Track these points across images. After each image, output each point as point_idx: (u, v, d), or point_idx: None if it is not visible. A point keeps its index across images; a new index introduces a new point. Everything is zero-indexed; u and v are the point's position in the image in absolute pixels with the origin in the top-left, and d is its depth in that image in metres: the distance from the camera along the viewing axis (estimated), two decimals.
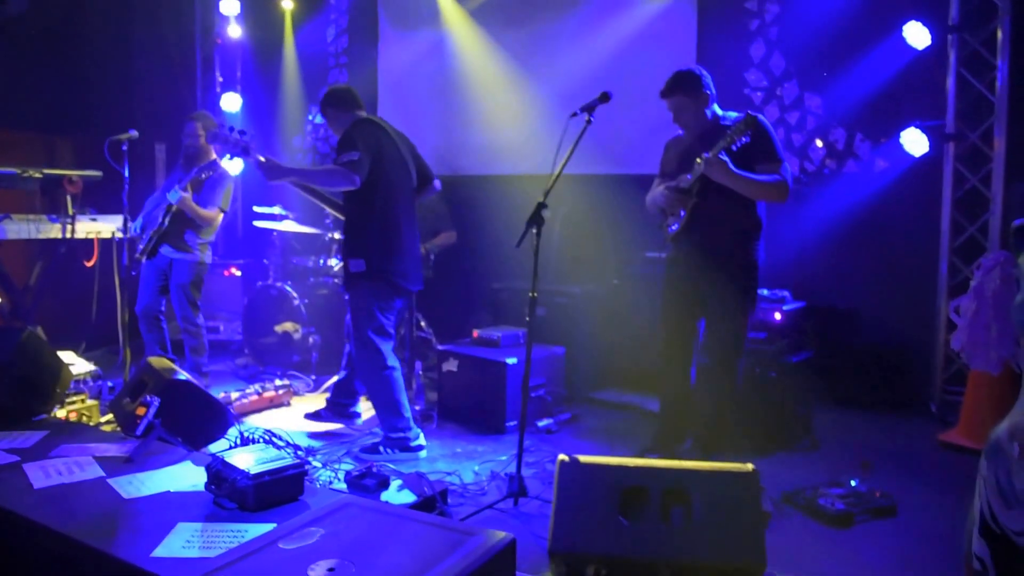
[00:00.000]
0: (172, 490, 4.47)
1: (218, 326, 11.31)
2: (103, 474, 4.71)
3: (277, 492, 4.22)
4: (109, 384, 7.76)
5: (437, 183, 7.54)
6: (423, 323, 9.33)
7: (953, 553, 5.12)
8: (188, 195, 8.17)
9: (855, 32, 8.67)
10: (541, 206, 5.81)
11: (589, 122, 6.00)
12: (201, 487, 4.43)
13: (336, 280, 9.95)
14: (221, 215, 8.67)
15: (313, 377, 9.29)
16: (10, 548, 4.21)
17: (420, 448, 6.96)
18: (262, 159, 6.63)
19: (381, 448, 6.90)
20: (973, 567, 3.09)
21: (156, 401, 5.04)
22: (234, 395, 8.11)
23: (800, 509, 5.73)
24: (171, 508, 4.21)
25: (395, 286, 6.94)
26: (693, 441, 6.78)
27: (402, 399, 6.97)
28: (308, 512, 3.89)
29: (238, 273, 11.75)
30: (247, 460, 4.25)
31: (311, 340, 9.45)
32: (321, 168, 7.06)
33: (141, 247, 8.31)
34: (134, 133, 8.06)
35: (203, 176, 8.16)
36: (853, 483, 5.99)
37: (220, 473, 4.28)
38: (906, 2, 8.37)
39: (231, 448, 4.63)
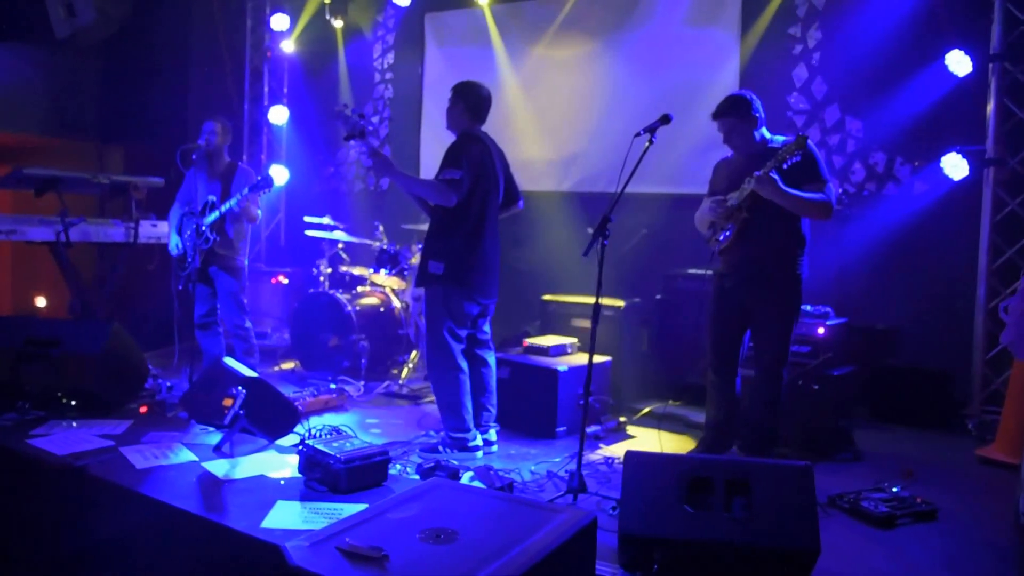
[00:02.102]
0: (266, 474, 4.85)
1: (265, 332, 11.62)
2: (196, 458, 5.10)
3: (365, 476, 4.57)
4: (168, 384, 8.07)
5: (521, 203, 7.81)
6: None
7: (996, 557, 5.42)
8: (249, 203, 8.41)
9: (897, 59, 8.92)
10: (607, 219, 6.07)
11: (651, 143, 6.21)
12: (291, 473, 4.81)
13: (383, 290, 10.29)
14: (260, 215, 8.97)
15: (362, 383, 9.53)
16: (119, 519, 4.58)
17: (477, 448, 7.23)
18: (378, 151, 7.05)
19: (440, 448, 7.18)
20: (1021, 523, 3.43)
21: (243, 393, 5.37)
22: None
23: (844, 511, 6.01)
24: (267, 489, 4.59)
25: (468, 294, 7.18)
26: (737, 450, 7.06)
27: (466, 401, 7.22)
28: (405, 491, 4.24)
29: (285, 281, 12.05)
30: (336, 447, 4.61)
31: (360, 346, 9.74)
32: (423, 180, 7.27)
33: (188, 262, 8.51)
34: (202, 143, 8.42)
35: (261, 191, 8.37)
36: (895, 489, 6.24)
37: (313, 458, 4.65)
38: (948, 31, 8.57)
39: (306, 439, 4.95)
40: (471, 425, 7.25)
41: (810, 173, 6.50)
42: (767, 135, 6.85)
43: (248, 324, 8.92)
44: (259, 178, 8.24)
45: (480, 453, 7.25)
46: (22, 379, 6.18)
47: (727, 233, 6.80)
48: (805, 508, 4.50)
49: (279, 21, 13.05)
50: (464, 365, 7.26)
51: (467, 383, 7.26)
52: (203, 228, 8.43)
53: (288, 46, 13.43)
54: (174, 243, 8.74)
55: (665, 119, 6.24)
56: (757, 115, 6.77)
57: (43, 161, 9.55)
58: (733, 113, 6.76)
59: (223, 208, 8.35)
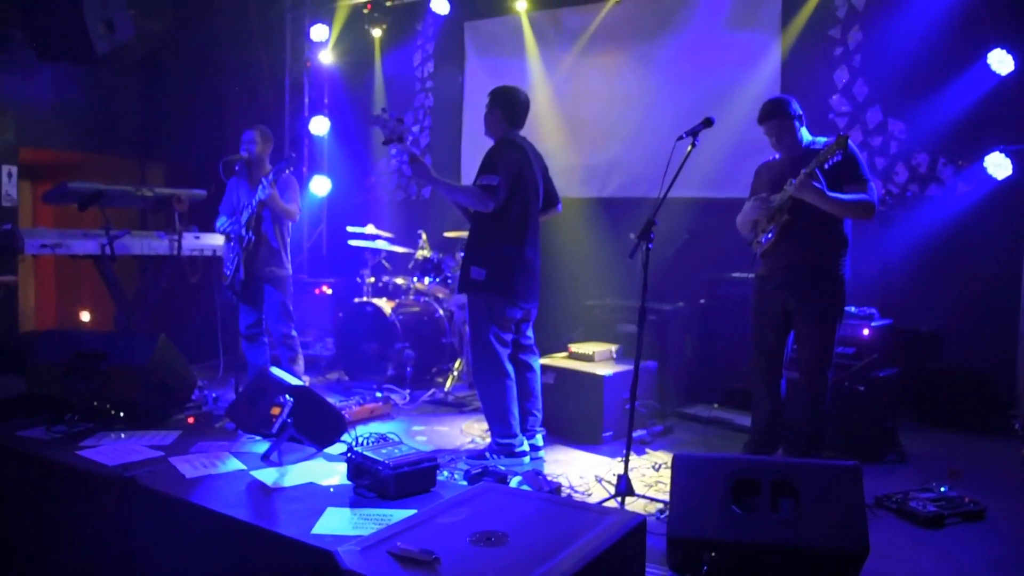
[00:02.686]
0: (315, 482, 4.90)
1: (310, 342, 11.68)
2: (245, 467, 5.14)
3: (414, 482, 4.60)
4: (214, 395, 8.15)
5: (560, 206, 7.84)
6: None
7: None
8: (275, 191, 8.44)
9: (938, 59, 8.91)
10: (651, 223, 6.09)
11: (693, 146, 6.24)
12: (339, 481, 4.85)
13: (426, 298, 10.35)
14: (298, 213, 9.02)
15: (408, 391, 9.61)
16: (169, 528, 4.64)
17: (524, 454, 7.26)
18: (416, 155, 7.09)
19: (487, 454, 7.22)
20: None
21: (290, 402, 5.42)
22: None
23: (892, 511, 6.04)
24: (316, 496, 4.62)
25: (511, 299, 7.21)
26: (783, 453, 7.05)
27: (512, 407, 7.24)
28: (454, 496, 4.28)
29: (329, 291, 12.12)
30: (384, 455, 4.65)
31: (405, 355, 9.80)
32: (461, 186, 7.39)
33: (230, 271, 8.58)
34: (244, 153, 8.50)
35: (284, 171, 8.36)
36: (943, 489, 6.26)
37: (361, 465, 4.69)
38: (989, 30, 8.55)
39: (353, 447, 4.99)
40: (518, 431, 7.27)
41: (852, 173, 6.54)
42: (808, 136, 6.90)
43: (294, 333, 9.01)
44: (281, 163, 8.30)
45: (527, 459, 7.27)
46: (70, 392, 6.21)
47: (769, 235, 6.83)
48: (853, 508, 4.51)
49: (318, 32, 13.11)
50: (511, 371, 7.30)
51: (514, 389, 7.29)
52: (240, 228, 8.51)
53: (327, 57, 13.48)
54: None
55: (707, 122, 6.26)
56: (799, 113, 6.83)
57: (86, 176, 9.61)
58: (778, 114, 6.81)
59: (253, 200, 8.43)
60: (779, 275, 6.90)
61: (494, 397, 7.25)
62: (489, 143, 7.40)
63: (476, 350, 7.34)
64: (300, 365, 9.02)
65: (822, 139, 6.89)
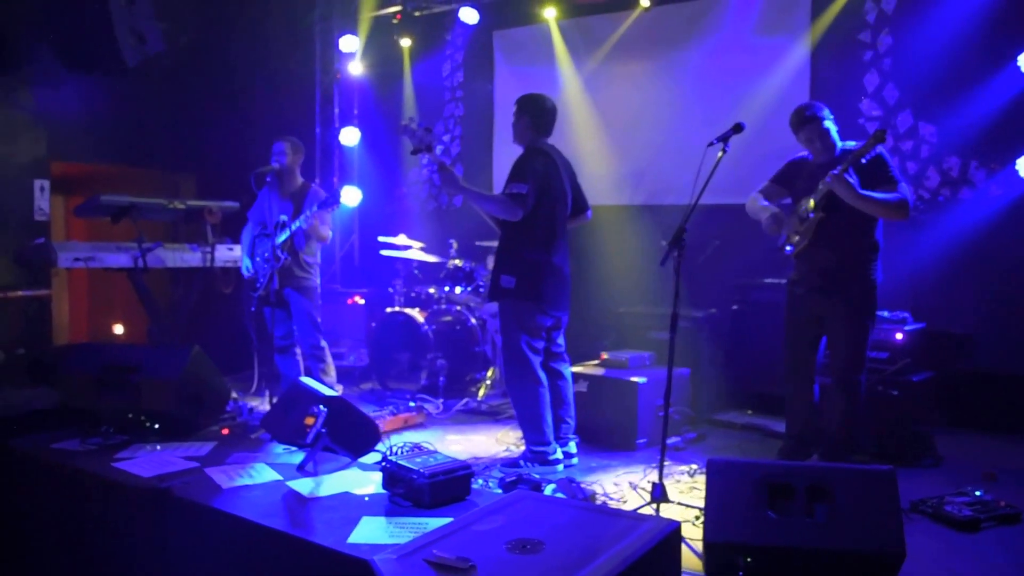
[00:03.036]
0: (350, 491, 4.92)
1: (343, 353, 11.71)
2: (280, 477, 5.17)
3: (449, 491, 4.62)
4: (249, 406, 8.18)
5: (589, 213, 7.87)
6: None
7: None
8: (317, 221, 8.52)
9: (968, 62, 8.87)
10: (683, 229, 6.09)
11: (724, 152, 6.22)
12: (374, 490, 4.87)
13: (458, 307, 10.36)
14: (331, 234, 9.02)
15: (441, 400, 9.64)
16: (206, 538, 4.67)
17: (557, 462, 7.28)
18: (445, 165, 7.14)
19: (521, 462, 7.23)
20: None
21: (324, 412, 5.44)
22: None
23: (927, 516, 6.02)
24: (352, 505, 4.65)
25: (540, 307, 7.24)
26: (817, 458, 7.03)
27: (546, 415, 7.25)
28: (490, 503, 4.30)
29: (361, 301, 12.12)
30: (419, 463, 4.66)
31: (437, 364, 9.81)
32: (489, 195, 7.35)
33: (262, 284, 8.67)
34: (275, 164, 8.53)
35: (330, 208, 8.43)
36: (978, 493, 6.23)
37: (396, 474, 4.71)
38: (1020, 32, 8.57)
39: (388, 456, 5.01)
40: (551, 439, 7.28)
41: (882, 175, 6.58)
42: (839, 140, 6.92)
43: (323, 343, 9.01)
44: (326, 196, 8.33)
45: (561, 466, 7.29)
46: (104, 404, 6.27)
47: (794, 245, 6.95)
48: (889, 512, 4.50)
49: (347, 43, 13.14)
50: (544, 378, 7.31)
51: (547, 397, 7.30)
52: (276, 247, 8.53)
53: (356, 68, 13.50)
54: (246, 265, 8.88)
55: (738, 128, 6.25)
56: (831, 116, 6.88)
57: (117, 188, 9.67)
58: (813, 119, 6.86)
59: (293, 227, 8.45)
60: (811, 280, 6.94)
61: (527, 405, 7.26)
62: (520, 151, 7.42)
63: (508, 358, 7.36)
64: (331, 375, 9.03)
65: (852, 143, 6.91)
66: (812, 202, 6.72)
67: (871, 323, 6.86)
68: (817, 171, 6.85)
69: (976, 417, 8.67)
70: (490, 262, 9.78)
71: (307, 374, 8.89)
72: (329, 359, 9.04)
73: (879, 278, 6.85)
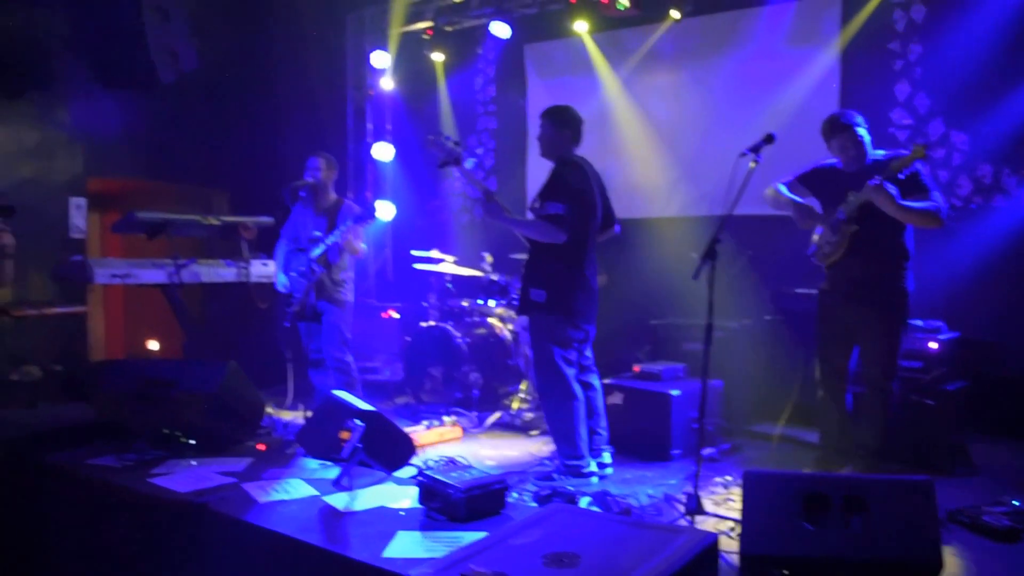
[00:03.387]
0: (386, 505, 4.91)
1: (377, 367, 11.72)
2: (316, 492, 5.17)
3: (484, 505, 4.60)
4: (283, 421, 8.18)
5: (618, 227, 7.84)
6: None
7: None
8: (351, 236, 8.52)
9: (1000, 69, 8.82)
10: (715, 241, 6.07)
11: (756, 163, 6.22)
12: (410, 504, 4.86)
13: (492, 320, 10.35)
14: (364, 251, 9.01)
15: (475, 414, 9.62)
16: (243, 553, 4.66)
17: (592, 475, 7.23)
18: (491, 194, 7.23)
19: (555, 475, 7.20)
20: None
21: (361, 427, 5.43)
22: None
23: (965, 526, 5.93)
24: (387, 520, 4.64)
25: (571, 321, 7.21)
26: (852, 468, 6.99)
27: (580, 428, 7.21)
28: (526, 517, 4.29)
29: (396, 315, 12.14)
30: (454, 477, 4.65)
31: (471, 378, 9.80)
32: (531, 222, 7.24)
33: (297, 299, 8.65)
34: (308, 179, 8.55)
35: (364, 223, 8.45)
36: (1016, 503, 6.16)
37: (432, 488, 4.70)
38: None
39: (423, 471, 4.99)
40: (585, 452, 7.24)
41: (916, 185, 6.56)
42: (871, 150, 6.91)
43: (349, 358, 8.98)
44: (360, 210, 8.34)
45: (595, 479, 7.25)
46: (140, 420, 6.28)
47: (827, 255, 6.95)
48: (926, 522, 4.47)
49: (379, 59, 13.13)
50: (579, 392, 7.26)
51: (582, 410, 7.25)
52: (310, 261, 8.53)
53: (388, 83, 13.49)
54: (281, 281, 8.91)
55: (769, 138, 6.24)
56: (865, 125, 6.88)
57: (151, 204, 9.73)
58: (847, 126, 6.85)
59: (328, 241, 8.43)
60: (844, 289, 6.94)
61: (561, 418, 7.22)
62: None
63: (541, 372, 7.32)
64: (357, 390, 8.96)
65: (881, 152, 6.93)
66: (845, 210, 6.70)
67: (904, 331, 6.84)
68: (847, 180, 6.85)
69: (1012, 426, 8.55)
70: None
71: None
72: (354, 374, 9.01)
73: (911, 286, 6.83)
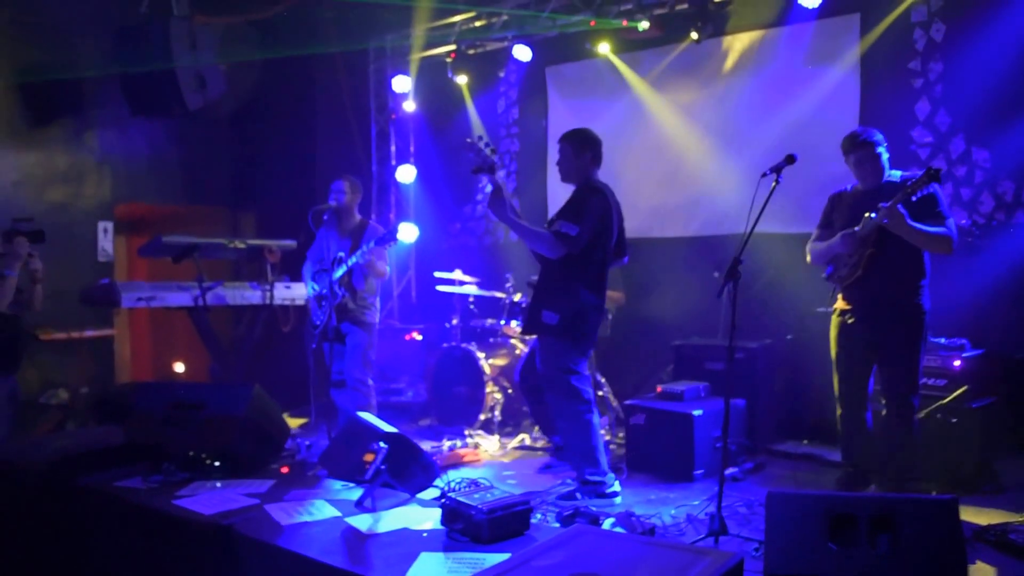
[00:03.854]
0: (409, 527, 4.86)
1: (401, 388, 11.70)
2: (339, 514, 5.12)
3: (508, 526, 4.54)
4: (307, 442, 8.14)
5: (627, 258, 7.82)
6: (601, 380, 9.63)
7: None
8: (374, 257, 8.49)
9: (1019, 87, 8.77)
10: (737, 261, 6.05)
11: (777, 183, 6.19)
12: (433, 525, 4.80)
13: (513, 340, 10.30)
14: (388, 272, 8.97)
15: (497, 435, 9.60)
16: (266, 574, 4.63)
17: (615, 495, 7.20)
18: (501, 188, 7.10)
19: (578, 495, 7.15)
20: None
21: (385, 449, 5.39)
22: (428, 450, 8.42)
23: (991, 545, 5.85)
24: (410, 542, 4.58)
25: (580, 346, 7.23)
26: (876, 486, 6.98)
27: (599, 444, 7.20)
28: (549, 539, 4.22)
29: (419, 337, 12.11)
30: (477, 499, 4.59)
31: (494, 399, 9.75)
32: (535, 230, 7.19)
33: (321, 321, 8.67)
34: (332, 202, 8.55)
35: (387, 244, 8.42)
36: None
37: (455, 510, 4.63)
38: None
39: (446, 492, 4.95)
40: (607, 469, 7.22)
41: (931, 209, 6.57)
42: (888, 169, 6.92)
43: (370, 381, 8.93)
44: (383, 232, 8.32)
45: (619, 499, 7.21)
46: (168, 442, 6.26)
47: (844, 275, 6.92)
48: (952, 542, 4.40)
49: (401, 83, 13.18)
50: (594, 405, 7.27)
51: (599, 426, 7.25)
52: (333, 283, 8.53)
53: (411, 105, 13.53)
54: (311, 289, 8.91)
55: (790, 159, 6.24)
56: (885, 144, 6.88)
57: (180, 228, 9.77)
58: (866, 143, 6.85)
59: (350, 261, 8.44)
60: (861, 309, 6.96)
61: (579, 435, 7.20)
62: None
63: (556, 394, 7.28)
64: (374, 413, 8.96)
65: (897, 172, 6.96)
66: (861, 231, 6.68)
67: (924, 347, 6.84)
68: (860, 200, 6.91)
69: None
70: None
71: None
72: (372, 397, 8.95)
73: (928, 304, 6.83)
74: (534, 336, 7.66)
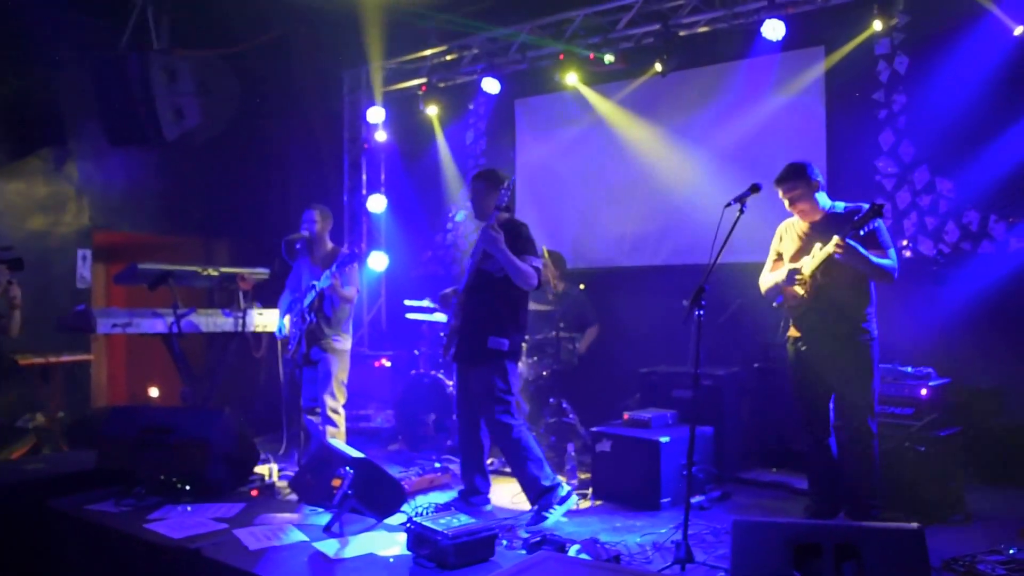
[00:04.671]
0: (375, 552, 4.78)
1: (369, 415, 11.69)
2: (307, 539, 5.06)
3: (473, 552, 4.49)
4: (277, 467, 8.08)
5: None
6: (565, 407, 9.58)
7: None
8: (337, 281, 8.38)
9: (982, 118, 8.80)
10: (702, 289, 6.02)
11: (742, 212, 6.24)
12: (399, 551, 4.74)
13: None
14: (357, 294, 8.94)
15: None
16: None
17: (569, 495, 7.30)
18: (501, 221, 7.21)
19: (545, 513, 7.11)
20: None
21: (351, 474, 5.33)
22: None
23: (960, 575, 5.79)
24: (376, 567, 4.56)
25: (517, 365, 7.53)
26: (844, 514, 6.92)
27: (542, 455, 7.35)
28: (514, 565, 4.15)
29: (388, 364, 12.12)
30: (443, 524, 4.53)
31: None
32: (520, 262, 7.24)
33: (292, 347, 8.67)
34: (304, 232, 8.57)
35: (348, 265, 8.40)
36: (1012, 551, 5.99)
37: (421, 535, 4.58)
38: None
39: (413, 517, 4.90)
40: (552, 472, 7.38)
41: (874, 242, 6.62)
42: (827, 202, 6.96)
43: (341, 410, 8.89)
44: (345, 254, 8.31)
45: (574, 496, 7.44)
46: (139, 466, 6.26)
47: (799, 297, 6.91)
48: (919, 572, 4.32)
49: (375, 114, 13.23)
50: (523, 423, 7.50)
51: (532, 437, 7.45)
52: (303, 309, 8.55)
53: (383, 136, 13.55)
54: (280, 325, 8.92)
55: (755, 188, 6.34)
56: (816, 180, 6.88)
57: (156, 256, 9.79)
58: (794, 178, 6.86)
59: (317, 287, 8.43)
60: (813, 336, 6.98)
61: (528, 449, 7.32)
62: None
63: (498, 418, 7.38)
64: (343, 440, 8.90)
65: (841, 204, 6.98)
66: (811, 264, 6.72)
67: (876, 372, 6.85)
68: (807, 231, 6.99)
69: (1008, 471, 8.41)
70: None
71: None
72: (343, 425, 8.89)
73: (876, 330, 6.85)
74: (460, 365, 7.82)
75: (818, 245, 6.62)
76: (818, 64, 9.99)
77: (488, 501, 7.87)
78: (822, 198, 6.88)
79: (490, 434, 7.65)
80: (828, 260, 6.56)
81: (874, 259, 6.47)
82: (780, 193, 6.93)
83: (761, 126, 10.33)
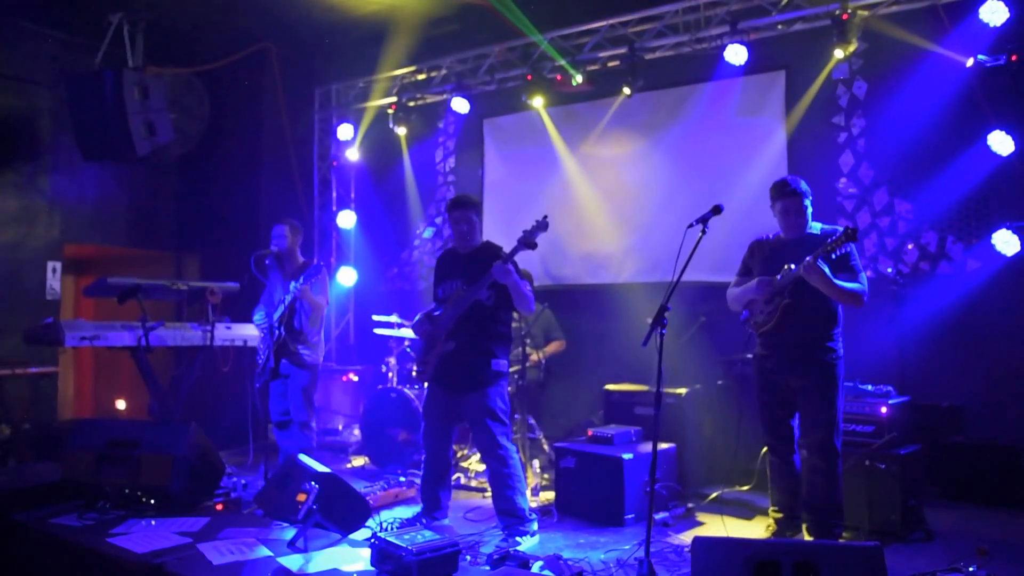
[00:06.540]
0: (339, 568, 4.71)
1: (336, 429, 11.65)
2: (271, 553, 4.98)
3: (437, 568, 4.43)
4: (243, 481, 7.98)
5: None
6: (531, 423, 9.54)
7: None
8: (307, 286, 8.34)
9: (940, 141, 8.84)
10: (664, 308, 5.96)
11: (704, 233, 6.15)
12: (363, 567, 4.67)
13: None
14: (327, 305, 8.90)
15: None
16: None
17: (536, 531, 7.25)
18: (518, 250, 7.07)
19: (519, 539, 7.01)
20: None
21: (316, 489, 5.27)
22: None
23: None
24: None
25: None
26: (806, 532, 6.85)
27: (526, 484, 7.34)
28: None
29: (355, 379, 12.06)
30: (407, 540, 4.47)
31: None
32: (526, 288, 7.22)
33: (261, 360, 8.65)
34: (274, 248, 8.52)
35: (314, 277, 8.35)
36: (971, 568, 5.95)
37: (384, 551, 4.52)
38: (988, 112, 8.48)
39: (377, 533, 4.84)
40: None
41: (845, 264, 6.62)
42: (810, 222, 6.95)
43: (313, 424, 8.87)
44: (315, 264, 8.31)
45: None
46: (104, 479, 6.20)
47: (765, 314, 6.90)
48: None
49: (345, 131, 13.29)
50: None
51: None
52: (272, 323, 8.53)
53: (353, 154, 13.52)
54: (259, 330, 8.90)
55: (716, 209, 6.23)
56: (811, 199, 6.90)
57: (126, 270, 9.69)
58: (795, 193, 6.82)
59: (286, 299, 8.43)
60: (778, 355, 6.93)
61: (520, 482, 7.24)
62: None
63: (503, 437, 7.25)
64: (315, 455, 8.84)
65: (818, 225, 6.95)
66: (781, 281, 6.71)
67: (840, 391, 6.79)
68: (780, 249, 6.94)
69: (968, 489, 8.38)
70: None
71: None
72: (314, 438, 8.90)
73: (841, 350, 6.82)
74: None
75: (789, 265, 6.62)
76: (779, 88, 10.02)
77: (447, 515, 7.79)
78: (810, 215, 6.89)
79: (488, 459, 7.38)
80: (796, 280, 6.56)
81: (840, 283, 6.44)
82: (779, 206, 6.91)
83: (724, 147, 10.33)
